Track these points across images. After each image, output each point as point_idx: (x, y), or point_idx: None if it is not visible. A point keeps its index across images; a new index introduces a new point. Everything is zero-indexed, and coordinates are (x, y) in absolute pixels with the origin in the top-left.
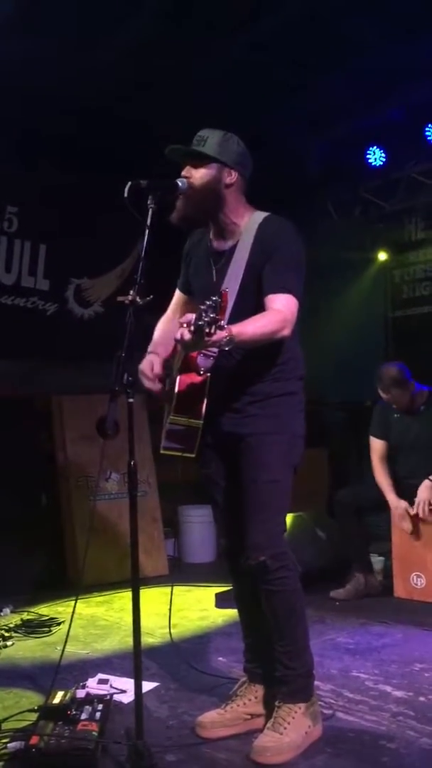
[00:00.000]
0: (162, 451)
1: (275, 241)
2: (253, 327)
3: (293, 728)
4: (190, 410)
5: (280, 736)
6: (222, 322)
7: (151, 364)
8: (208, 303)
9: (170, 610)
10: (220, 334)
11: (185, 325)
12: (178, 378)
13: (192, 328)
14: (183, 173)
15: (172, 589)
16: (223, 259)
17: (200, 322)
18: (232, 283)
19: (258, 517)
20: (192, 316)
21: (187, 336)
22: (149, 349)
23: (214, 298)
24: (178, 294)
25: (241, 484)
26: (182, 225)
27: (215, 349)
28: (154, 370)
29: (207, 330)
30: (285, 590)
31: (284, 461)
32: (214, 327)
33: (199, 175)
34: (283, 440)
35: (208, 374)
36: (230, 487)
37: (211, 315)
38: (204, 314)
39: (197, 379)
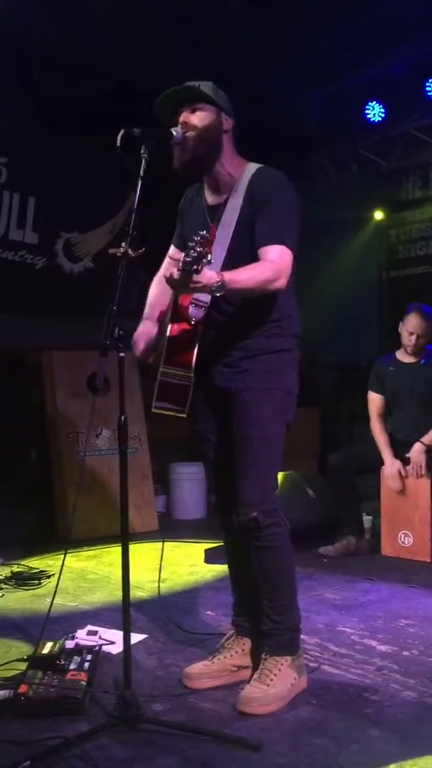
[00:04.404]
0: (153, 410)
1: (267, 191)
2: (246, 275)
3: (279, 680)
4: (181, 361)
5: (267, 687)
6: (210, 256)
7: (145, 336)
8: (196, 239)
9: (161, 564)
10: (210, 277)
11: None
12: (168, 327)
13: (180, 265)
14: (180, 119)
15: (163, 544)
16: (218, 213)
17: (188, 258)
18: (223, 237)
19: (250, 473)
20: (182, 255)
21: (176, 274)
22: (145, 313)
23: (201, 233)
24: (172, 249)
25: (233, 439)
26: (182, 172)
27: (207, 299)
28: (147, 342)
29: (195, 266)
30: (275, 546)
31: (277, 417)
32: (202, 262)
33: (198, 118)
34: (276, 396)
35: (200, 325)
36: (222, 443)
37: (198, 249)
38: (192, 250)
39: (188, 329)
